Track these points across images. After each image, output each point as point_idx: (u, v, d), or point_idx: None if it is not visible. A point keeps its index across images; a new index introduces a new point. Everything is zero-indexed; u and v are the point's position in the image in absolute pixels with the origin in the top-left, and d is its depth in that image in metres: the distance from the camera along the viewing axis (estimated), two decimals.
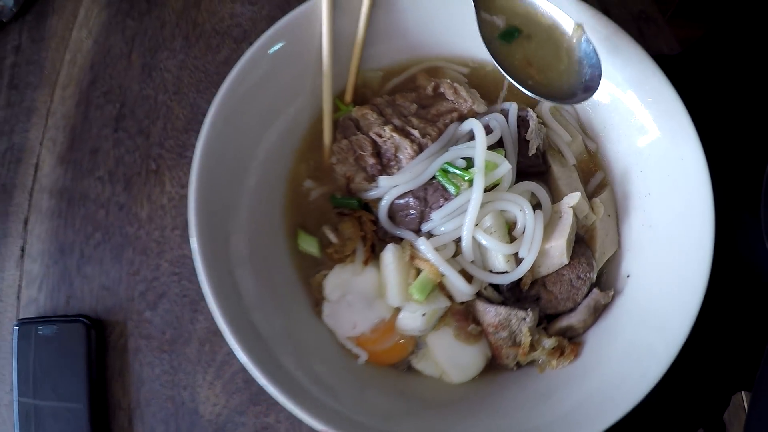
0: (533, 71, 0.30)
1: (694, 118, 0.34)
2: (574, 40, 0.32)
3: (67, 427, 0.46)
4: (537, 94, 0.31)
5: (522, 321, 0.33)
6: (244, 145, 0.36)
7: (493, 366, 0.35)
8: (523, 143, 0.36)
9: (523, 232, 0.34)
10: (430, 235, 0.35)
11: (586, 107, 0.39)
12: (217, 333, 0.42)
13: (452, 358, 0.34)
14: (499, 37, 0.32)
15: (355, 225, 0.37)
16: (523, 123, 0.36)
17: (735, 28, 0.65)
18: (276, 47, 0.37)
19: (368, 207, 0.38)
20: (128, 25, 0.63)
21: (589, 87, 0.31)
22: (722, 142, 0.47)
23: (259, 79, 0.36)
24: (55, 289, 0.52)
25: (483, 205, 0.33)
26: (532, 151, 0.36)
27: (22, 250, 0.54)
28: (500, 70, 0.30)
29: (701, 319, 0.68)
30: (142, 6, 0.63)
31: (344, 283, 0.36)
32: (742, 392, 0.86)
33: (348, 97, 0.41)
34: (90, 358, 0.46)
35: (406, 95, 0.40)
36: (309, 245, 0.37)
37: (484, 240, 0.34)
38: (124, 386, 0.46)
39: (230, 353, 0.43)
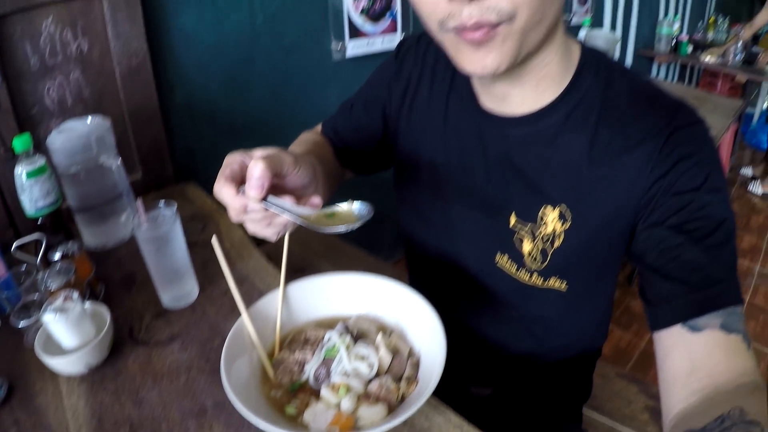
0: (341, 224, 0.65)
1: None
2: (354, 207, 0.68)
3: None
4: (346, 228, 0.64)
5: (388, 379, 0.76)
6: (238, 383, 0.74)
7: (390, 408, 0.73)
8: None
9: (368, 357, 0.79)
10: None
11: (370, 312, 0.89)
12: None
13: (372, 413, 0.73)
14: (326, 216, 0.67)
15: (304, 390, 0.78)
16: (347, 327, 0.84)
17: None
18: (231, 351, 0.79)
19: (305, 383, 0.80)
20: (107, 386, 0.87)
21: (367, 215, 0.66)
22: None
23: (230, 361, 0.77)
24: None
25: (348, 355, 0.79)
26: (354, 334, 0.83)
27: None
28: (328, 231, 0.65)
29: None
30: (111, 373, 0.90)
31: (312, 412, 0.75)
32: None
33: (275, 354, 0.84)
34: None
35: (296, 342, 0.86)
36: (290, 410, 0.75)
37: (355, 365, 0.78)
38: None
39: None
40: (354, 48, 2.16)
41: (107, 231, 1.31)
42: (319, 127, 1.12)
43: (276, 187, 0.66)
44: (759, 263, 3.26)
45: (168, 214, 0.98)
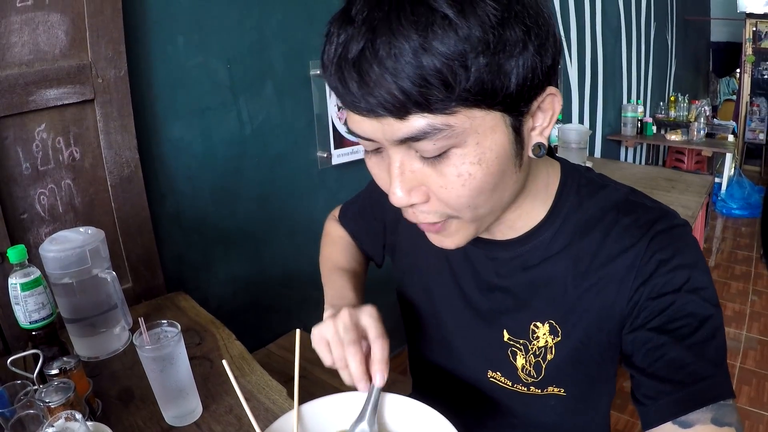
0: None
1: None
2: None
3: None
4: None
5: None
6: None
7: None
8: None
9: None
10: None
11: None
12: None
13: None
14: None
15: None
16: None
17: None
18: None
19: None
20: None
21: None
22: None
23: None
24: None
25: None
26: None
27: None
28: None
29: None
30: None
31: None
32: None
33: None
34: None
35: None
36: None
37: None
38: None
39: None
40: (339, 156, 2.20)
41: (100, 342, 1.27)
42: (337, 212, 1.20)
43: None
44: (745, 328, 3.32)
45: (171, 332, 0.96)
